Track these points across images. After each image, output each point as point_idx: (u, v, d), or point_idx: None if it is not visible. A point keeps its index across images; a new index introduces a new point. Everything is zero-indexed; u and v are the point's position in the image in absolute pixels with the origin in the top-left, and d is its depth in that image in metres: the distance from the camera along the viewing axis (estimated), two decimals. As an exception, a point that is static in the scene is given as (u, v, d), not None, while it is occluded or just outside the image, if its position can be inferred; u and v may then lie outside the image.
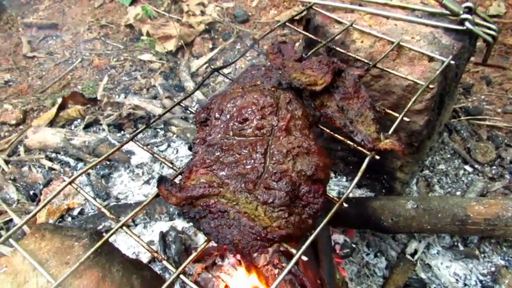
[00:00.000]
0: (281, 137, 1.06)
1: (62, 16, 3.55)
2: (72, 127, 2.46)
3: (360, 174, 1.12)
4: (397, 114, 1.27)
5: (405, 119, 1.26)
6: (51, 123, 2.51)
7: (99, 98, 2.71)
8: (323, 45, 1.55)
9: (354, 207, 1.68)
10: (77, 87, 2.89)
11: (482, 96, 2.57)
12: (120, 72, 3.04)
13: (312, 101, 1.24)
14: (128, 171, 2.14)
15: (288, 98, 1.16)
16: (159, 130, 2.43)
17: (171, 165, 1.14)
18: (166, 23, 3.26)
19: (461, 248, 1.89)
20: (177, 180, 1.08)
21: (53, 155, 2.25)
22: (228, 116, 1.14)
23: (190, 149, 1.11)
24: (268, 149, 1.05)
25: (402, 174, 1.86)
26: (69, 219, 1.92)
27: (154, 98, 2.70)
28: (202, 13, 3.46)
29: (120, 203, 1.96)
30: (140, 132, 1.23)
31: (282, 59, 1.40)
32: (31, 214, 1.03)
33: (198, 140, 1.12)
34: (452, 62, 1.47)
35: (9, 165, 2.25)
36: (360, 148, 1.17)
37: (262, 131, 1.08)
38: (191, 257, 0.96)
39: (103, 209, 1.05)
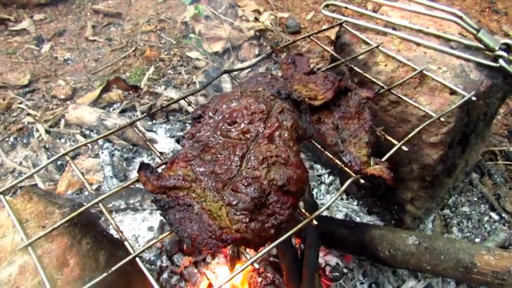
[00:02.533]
0: (262, 144, 1.07)
1: (128, 7, 3.80)
2: (110, 109, 2.62)
3: (338, 194, 1.10)
4: (396, 142, 1.23)
5: (404, 148, 1.22)
6: (94, 103, 2.69)
7: (142, 86, 2.86)
8: (341, 62, 1.53)
9: (352, 232, 1.63)
10: (125, 74, 3.07)
11: (529, 143, 2.39)
12: (167, 65, 3.18)
13: (310, 115, 1.24)
14: (149, 158, 2.25)
15: (281, 107, 1.17)
16: (187, 125, 2.52)
17: (159, 155, 1.19)
18: (220, 24, 3.37)
19: (467, 298, 1.76)
20: (161, 170, 1.13)
21: (87, 131, 2.41)
22: (220, 116, 1.17)
23: (178, 142, 1.16)
24: (246, 153, 1.06)
25: (413, 208, 1.78)
26: (86, 193, 2.05)
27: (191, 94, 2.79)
28: (256, 19, 3.53)
29: (133, 186, 2.06)
30: (140, 119, 1.29)
31: (294, 70, 1.41)
32: (24, 177, 1.13)
33: (187, 135, 1.16)
34: (474, 98, 1.39)
35: (49, 135, 2.44)
36: (346, 169, 1.15)
37: (246, 135, 1.10)
38: (151, 243, 1.00)
39: (86, 184, 1.12)
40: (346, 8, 1.84)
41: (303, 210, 1.06)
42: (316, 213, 1.06)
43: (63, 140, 2.44)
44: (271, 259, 1.66)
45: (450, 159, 1.65)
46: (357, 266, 1.79)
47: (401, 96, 1.39)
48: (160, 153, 1.20)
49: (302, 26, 3.49)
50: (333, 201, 1.09)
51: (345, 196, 2.05)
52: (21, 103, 2.75)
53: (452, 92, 1.45)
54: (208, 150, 1.10)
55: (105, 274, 0.92)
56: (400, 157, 1.64)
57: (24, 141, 2.47)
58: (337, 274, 1.62)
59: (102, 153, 2.19)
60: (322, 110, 1.25)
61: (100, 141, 2.29)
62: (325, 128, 1.21)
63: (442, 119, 1.32)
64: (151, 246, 1.00)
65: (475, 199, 2.12)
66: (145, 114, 1.30)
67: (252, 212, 0.97)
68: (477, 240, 1.97)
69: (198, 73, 3.06)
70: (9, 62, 3.15)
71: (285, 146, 1.08)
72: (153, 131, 2.38)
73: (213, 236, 0.94)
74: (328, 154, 1.20)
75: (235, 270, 0.96)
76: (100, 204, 1.07)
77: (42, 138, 2.43)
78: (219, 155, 1.08)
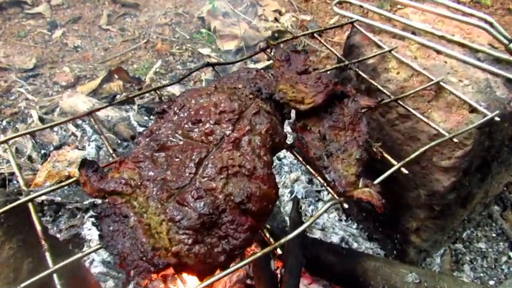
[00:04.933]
0: (225, 150, 0.89)
1: (146, -2, 3.70)
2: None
3: (312, 220, 0.90)
4: (395, 162, 1.02)
5: (404, 170, 1.00)
6: (94, 93, 2.57)
7: (146, 79, 2.73)
8: (345, 64, 1.33)
9: (342, 260, 1.42)
10: (132, 66, 2.95)
11: None
12: (177, 60, 3.05)
13: (294, 121, 1.05)
14: (139, 155, 2.09)
15: (257, 108, 0.98)
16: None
17: (112, 151, 1.02)
18: (237, 22, 3.21)
19: None
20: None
21: (79, 121, 2.29)
22: (185, 113, 0.99)
23: (133, 138, 0.99)
24: (205, 159, 0.88)
25: (418, 239, 1.55)
26: (66, 186, 1.91)
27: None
28: (276, 20, 3.36)
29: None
30: (102, 108, 1.14)
31: (287, 68, 1.22)
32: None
33: (145, 131, 0.99)
34: (497, 118, 1.16)
35: (41, 122, 2.33)
36: (328, 189, 0.95)
37: (209, 137, 0.92)
38: (72, 258, 0.83)
39: (19, 178, 0.96)
40: (361, 6, 1.64)
41: (267, 235, 0.87)
42: (282, 240, 0.86)
43: (55, 128, 2.32)
44: (248, 282, 1.46)
45: (465, 187, 1.42)
46: (346, 299, 1.57)
47: (409, 108, 1.18)
48: (114, 150, 1.03)
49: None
50: (306, 227, 0.89)
51: (344, 217, 1.83)
52: (21, 87, 2.67)
53: (473, 110, 1.22)
54: (164, 151, 0.93)
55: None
56: (407, 180, 1.42)
57: (17, 126, 2.37)
58: (321, 308, 1.41)
59: (89, 145, 2.06)
60: (310, 116, 1.05)
61: (89, 133, 2.16)
62: (310, 137, 1.01)
63: (455, 140, 1.10)
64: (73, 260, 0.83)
65: (494, 235, 1.86)
66: (108, 104, 1.14)
67: (197, 232, 0.79)
68: (491, 282, 1.71)
69: (207, 70, 2.90)
70: (18, 44, 3.09)
71: (253, 154, 0.90)
72: (147, 127, 2.22)
73: (144, 258, 0.76)
74: (310, 169, 1.00)
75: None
76: (30, 204, 0.91)
77: (36, 124, 2.32)
78: (174, 159, 0.90)
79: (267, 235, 0.87)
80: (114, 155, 1.01)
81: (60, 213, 1.84)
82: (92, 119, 1.11)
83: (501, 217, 1.88)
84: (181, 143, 0.94)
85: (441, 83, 1.26)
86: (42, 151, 2.10)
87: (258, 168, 0.87)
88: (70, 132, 2.25)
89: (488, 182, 1.54)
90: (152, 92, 2.47)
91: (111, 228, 0.82)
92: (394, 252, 1.67)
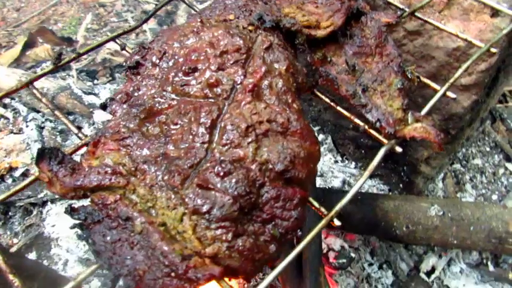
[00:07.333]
0: (243, 103, 0.65)
1: None
2: (38, 70, 2.07)
3: (367, 173, 0.70)
4: (437, 87, 0.83)
5: (450, 94, 0.82)
6: (17, 63, 2.13)
7: (78, 38, 2.31)
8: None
9: (359, 207, 1.27)
10: (56, 25, 2.48)
11: (539, 79, 2.06)
12: (110, 12, 2.61)
13: (309, 53, 0.81)
14: (91, 128, 1.77)
15: (268, 42, 0.73)
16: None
17: (76, 131, 0.74)
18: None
19: (491, 267, 1.48)
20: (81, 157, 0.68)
21: (7, 100, 1.89)
22: (170, 63, 0.72)
23: (104, 108, 0.71)
24: (218, 120, 0.64)
25: (428, 168, 1.43)
26: (10, 180, 1.57)
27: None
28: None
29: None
30: (45, 74, 0.83)
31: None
32: None
33: (119, 96, 0.71)
34: (527, 18, 1.00)
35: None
36: (373, 132, 0.75)
37: (216, 89, 0.67)
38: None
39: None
40: None
41: (316, 204, 0.67)
42: (337, 207, 0.66)
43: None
44: None
45: (478, 104, 1.29)
46: (362, 244, 1.45)
47: (431, 21, 0.98)
48: (78, 128, 0.75)
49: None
50: (359, 187, 0.70)
51: (339, 158, 1.68)
52: None
53: (494, 13, 1.05)
54: (153, 118, 0.67)
55: None
56: (416, 106, 1.26)
57: None
58: (344, 261, 1.28)
59: (27, 126, 1.69)
60: (327, 44, 0.82)
61: (23, 112, 1.77)
62: (335, 70, 0.79)
63: (493, 50, 0.92)
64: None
65: (488, 149, 1.80)
66: (52, 68, 0.84)
67: (236, 221, 0.56)
68: (494, 197, 1.67)
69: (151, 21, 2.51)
70: None
71: (280, 103, 0.66)
72: (94, 94, 1.88)
73: (173, 274, 0.53)
74: (343, 111, 0.78)
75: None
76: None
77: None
78: (172, 126, 0.65)
79: (315, 204, 0.67)
80: (80, 134, 0.73)
81: (10, 213, 1.52)
82: (34, 90, 0.81)
83: (493, 129, 1.83)
84: (174, 103, 0.68)
85: (453, -13, 1.07)
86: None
87: (293, 121, 0.64)
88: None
89: (492, 96, 1.43)
90: (91, 53, 2.09)
91: (108, 238, 0.57)
92: (400, 185, 1.55)
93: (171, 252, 0.53)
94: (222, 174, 0.58)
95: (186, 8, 2.57)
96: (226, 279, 0.58)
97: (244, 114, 0.63)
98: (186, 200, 0.57)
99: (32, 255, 1.40)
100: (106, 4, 2.65)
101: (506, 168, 1.76)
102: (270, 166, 0.60)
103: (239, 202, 0.57)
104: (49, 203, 1.52)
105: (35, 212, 1.52)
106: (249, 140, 0.61)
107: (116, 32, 0.93)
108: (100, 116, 1.74)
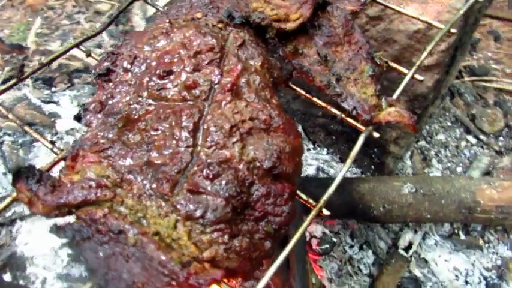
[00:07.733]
0: (224, 103, 0.64)
1: None
2: (-11, 81, 1.96)
3: (349, 161, 0.72)
4: (405, 70, 0.86)
5: (418, 77, 0.85)
6: (-35, 76, 2.00)
7: (29, 45, 2.20)
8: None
9: (337, 193, 1.29)
10: (3, 31, 2.35)
11: (489, 54, 2.18)
12: (60, 15, 2.50)
13: (281, 46, 0.82)
14: (55, 138, 1.70)
15: (240, 39, 0.73)
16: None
17: (50, 146, 0.71)
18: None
19: (462, 236, 1.56)
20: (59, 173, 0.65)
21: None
22: (143, 67, 0.71)
23: (78, 119, 0.68)
24: (201, 122, 0.63)
25: (397, 147, 1.48)
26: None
27: (99, 47, 2.20)
28: None
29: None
30: (3, 92, 0.79)
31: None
32: None
33: (92, 105, 0.69)
34: (480, -2, 1.05)
35: None
36: (350, 120, 0.77)
37: (194, 91, 0.66)
38: None
39: None
40: None
41: (303, 196, 0.68)
42: (325, 197, 0.67)
43: None
44: None
45: (440, 83, 1.34)
46: (342, 228, 1.49)
47: (392, 6, 1.01)
48: (52, 142, 0.71)
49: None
50: (343, 175, 0.71)
51: (311, 146, 1.71)
52: None
53: (450, -6, 1.10)
54: (132, 126, 0.65)
55: None
56: (383, 89, 1.29)
57: None
58: (327, 247, 1.31)
59: (-16, 142, 1.61)
60: (297, 36, 0.83)
61: (-21, 127, 1.68)
62: (308, 62, 0.80)
63: (453, 30, 0.96)
64: None
65: (449, 124, 1.89)
66: (13, 82, 0.79)
67: (230, 222, 0.56)
68: (459, 169, 1.75)
69: (102, 20, 2.43)
70: None
71: (259, 100, 0.66)
72: (54, 102, 1.80)
73: (174, 283, 0.52)
74: (320, 102, 0.80)
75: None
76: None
77: None
78: (153, 132, 0.64)
79: (303, 196, 0.68)
80: (55, 149, 0.70)
81: (-25, 236, 1.45)
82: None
83: (452, 105, 1.91)
84: (152, 108, 0.66)
85: (409, -29, 1.10)
86: None
87: (274, 116, 0.65)
88: None
89: (451, 73, 1.50)
90: (43, 58, 2.00)
91: (101, 254, 0.56)
92: (372, 167, 1.60)
93: (170, 261, 0.53)
94: (211, 176, 0.58)
95: (141, 6, 2.50)
96: (225, 279, 0.58)
97: (227, 114, 0.63)
98: (178, 206, 0.56)
99: (7, 277, 1.34)
100: (55, 6, 2.53)
101: (467, 141, 1.85)
102: (258, 164, 0.60)
103: (231, 203, 0.57)
104: (18, 220, 1.45)
105: (4, 232, 1.44)
106: (234, 139, 0.61)
107: (72, 36, 0.89)
108: (63, 125, 1.68)
